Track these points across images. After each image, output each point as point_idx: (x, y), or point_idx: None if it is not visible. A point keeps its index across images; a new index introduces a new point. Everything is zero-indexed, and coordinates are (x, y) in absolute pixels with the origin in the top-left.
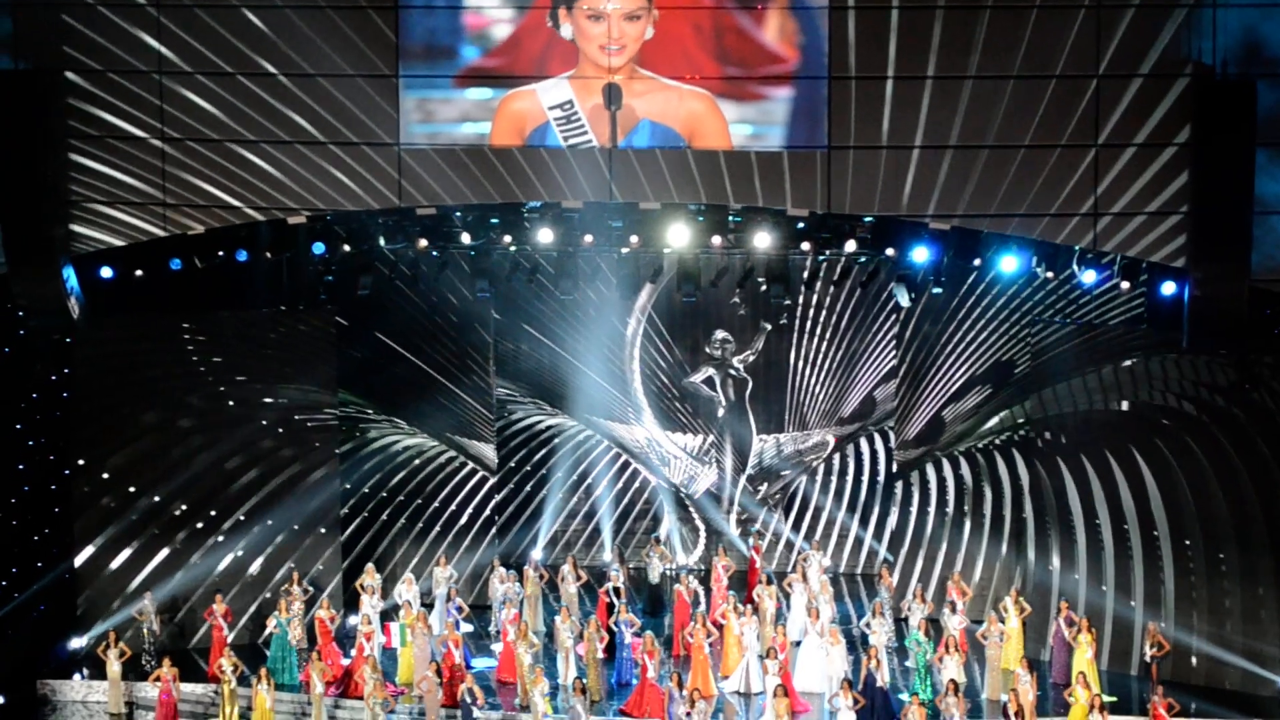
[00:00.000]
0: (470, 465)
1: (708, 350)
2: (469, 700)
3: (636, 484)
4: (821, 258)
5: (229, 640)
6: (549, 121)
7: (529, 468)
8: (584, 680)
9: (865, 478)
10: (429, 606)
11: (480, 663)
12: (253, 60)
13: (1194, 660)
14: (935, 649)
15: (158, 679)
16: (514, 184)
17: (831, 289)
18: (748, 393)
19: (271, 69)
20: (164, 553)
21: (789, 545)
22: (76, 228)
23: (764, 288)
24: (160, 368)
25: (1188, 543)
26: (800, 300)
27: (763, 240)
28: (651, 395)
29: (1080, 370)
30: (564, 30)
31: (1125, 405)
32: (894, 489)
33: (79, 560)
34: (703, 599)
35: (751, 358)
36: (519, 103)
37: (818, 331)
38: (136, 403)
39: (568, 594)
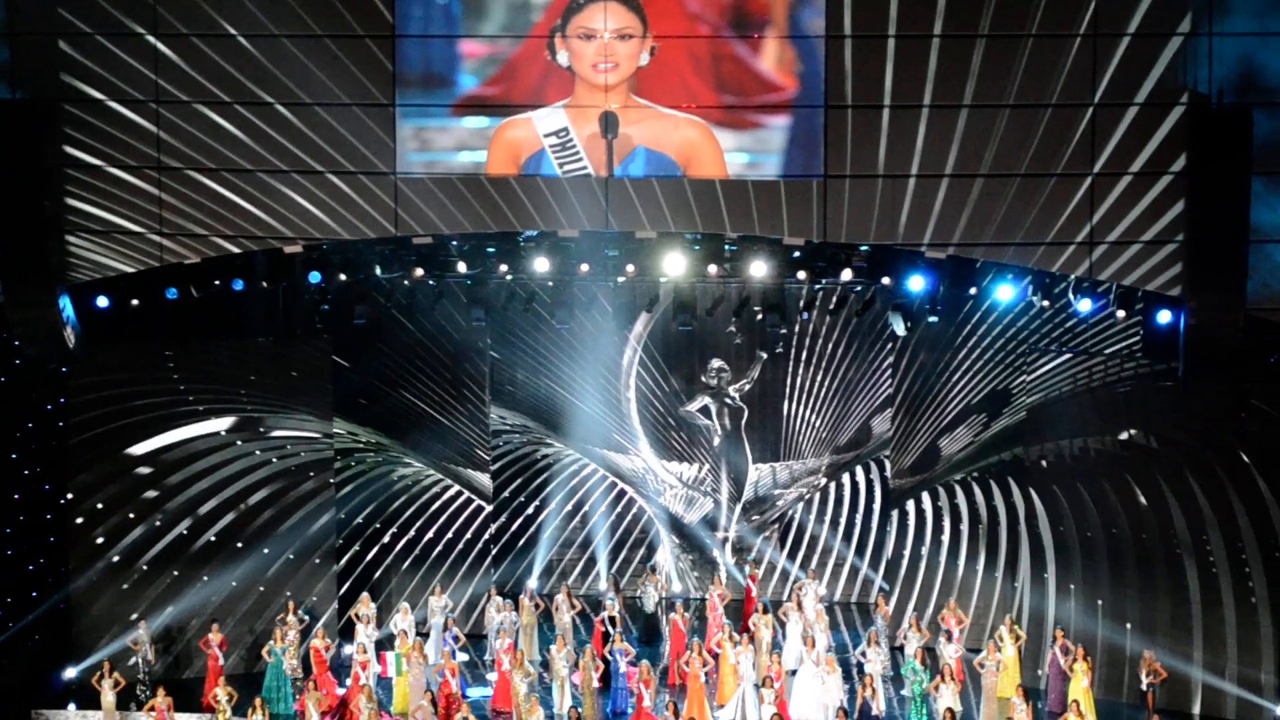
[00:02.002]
0: (466, 494)
1: (703, 379)
2: None
3: (632, 513)
4: (817, 286)
5: (224, 670)
6: (544, 149)
7: (524, 496)
8: (579, 710)
9: (861, 506)
10: (424, 635)
11: (475, 692)
12: (249, 89)
13: (1191, 689)
14: (931, 678)
15: (152, 709)
16: (510, 213)
17: (827, 318)
18: (743, 422)
19: (268, 98)
20: (159, 582)
21: (785, 574)
22: (72, 257)
23: (760, 317)
24: (156, 397)
25: (1184, 570)
26: (796, 329)
27: (759, 269)
28: (647, 424)
29: (1076, 399)
30: (560, 57)
31: (1121, 434)
32: (890, 518)
33: (74, 590)
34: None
35: (747, 386)
36: (514, 131)
37: (813, 360)
38: (132, 432)
39: (563, 623)
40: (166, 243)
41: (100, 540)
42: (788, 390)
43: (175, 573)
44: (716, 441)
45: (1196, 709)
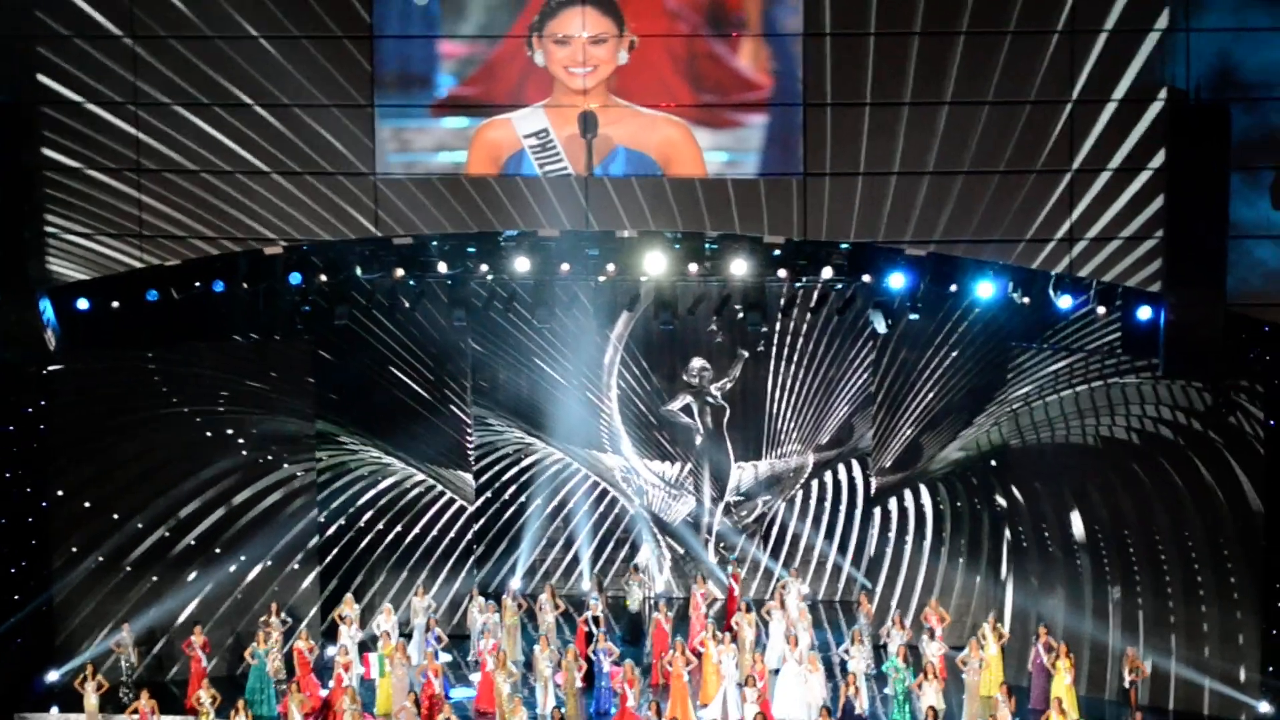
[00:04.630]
0: (448, 495)
1: (685, 378)
2: None
3: (615, 512)
4: (798, 285)
5: (207, 672)
6: (524, 150)
7: (507, 496)
8: (563, 710)
9: (843, 504)
10: (407, 636)
11: (459, 692)
12: (228, 91)
13: (1172, 685)
14: (914, 676)
15: (135, 711)
16: (490, 213)
17: (808, 316)
18: (725, 420)
19: (247, 100)
20: (142, 584)
21: (767, 573)
22: (52, 260)
23: (741, 315)
24: (137, 399)
25: (1165, 567)
26: (777, 327)
27: (739, 267)
28: (629, 423)
29: (1057, 395)
30: (537, 57)
31: (1102, 430)
32: (872, 515)
33: (56, 593)
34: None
35: (729, 385)
36: (494, 131)
37: (795, 358)
38: (113, 435)
39: (546, 623)
40: (147, 245)
41: (83, 543)
42: (769, 389)
43: (158, 575)
44: (698, 440)
45: (1178, 705)
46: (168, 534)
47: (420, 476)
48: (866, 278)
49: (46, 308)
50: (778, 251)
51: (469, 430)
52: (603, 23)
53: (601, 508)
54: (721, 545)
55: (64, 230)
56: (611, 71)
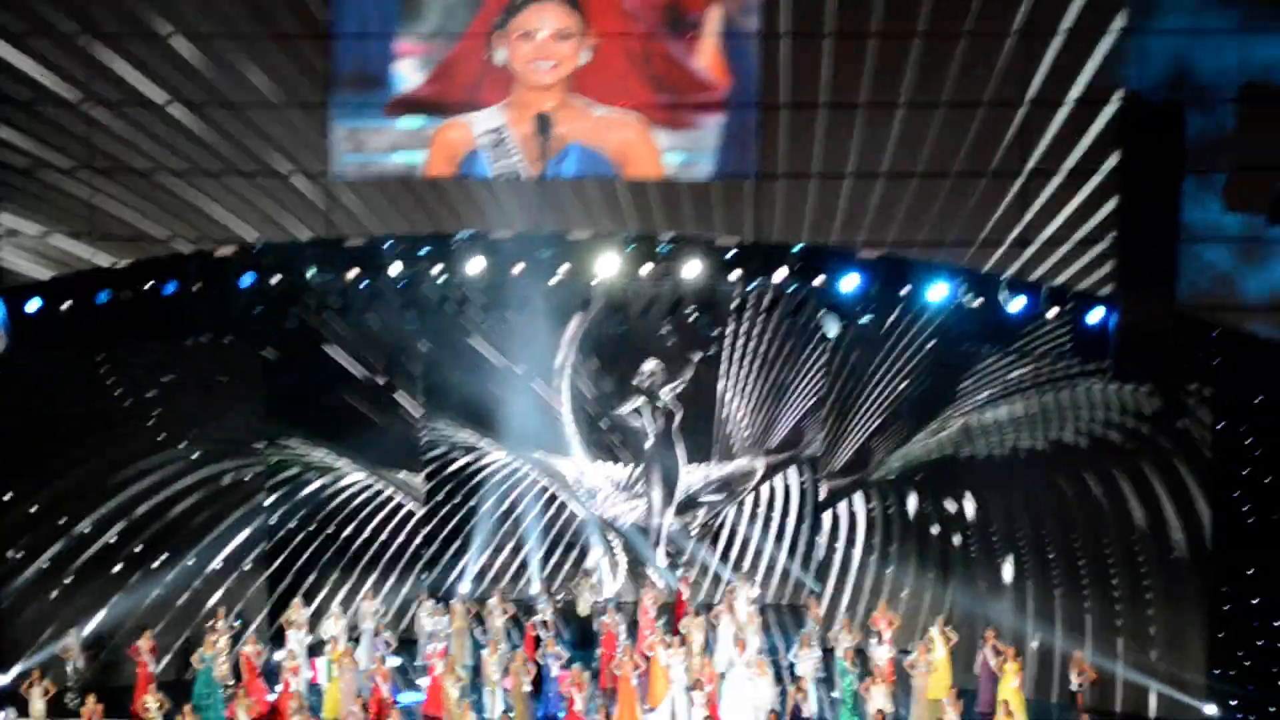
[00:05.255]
0: (398, 498)
1: (637, 381)
2: None
3: (564, 517)
4: (750, 287)
5: (154, 677)
6: (479, 149)
7: (457, 500)
8: (511, 714)
9: (793, 509)
10: (355, 641)
11: (407, 697)
12: (181, 90)
13: (1119, 688)
14: (862, 678)
15: (82, 716)
16: (445, 214)
17: (760, 318)
18: (676, 423)
19: (200, 99)
20: (89, 589)
21: (716, 577)
22: (3, 260)
23: (693, 318)
24: (88, 401)
25: (1112, 570)
26: (729, 330)
27: (692, 270)
28: (581, 426)
29: (1007, 399)
30: (497, 56)
31: (1051, 434)
32: (821, 520)
33: (2, 597)
34: (625, 631)
35: (681, 388)
36: (453, 132)
37: (747, 361)
38: (63, 437)
39: (495, 627)
40: (98, 245)
41: (29, 546)
42: (720, 391)
43: (106, 579)
44: (649, 444)
45: (1125, 708)
46: (116, 538)
47: (370, 479)
48: (819, 280)
49: None
50: (730, 254)
51: (419, 433)
52: (568, 19)
53: (551, 511)
54: (671, 549)
55: (14, 231)
56: (573, 69)
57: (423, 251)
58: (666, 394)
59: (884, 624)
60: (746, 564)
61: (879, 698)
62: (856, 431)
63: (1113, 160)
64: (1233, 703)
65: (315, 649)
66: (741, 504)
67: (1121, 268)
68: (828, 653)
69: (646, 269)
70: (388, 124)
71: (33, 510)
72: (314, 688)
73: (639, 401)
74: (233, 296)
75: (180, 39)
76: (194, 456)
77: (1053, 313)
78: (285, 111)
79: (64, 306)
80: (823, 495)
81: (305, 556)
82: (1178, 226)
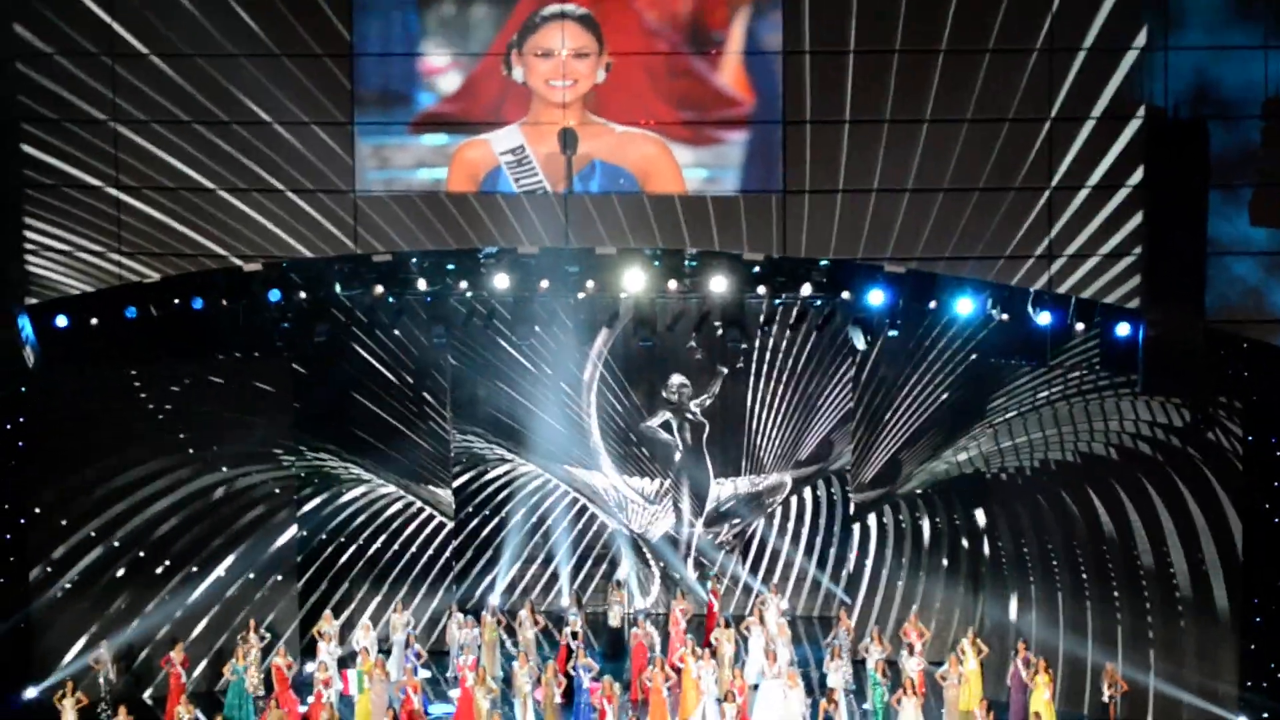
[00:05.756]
0: (428, 511)
1: (664, 395)
2: None
3: (594, 529)
4: (778, 301)
5: (186, 688)
6: (501, 167)
7: (486, 513)
8: None
9: (823, 521)
10: (386, 652)
11: (438, 709)
12: (208, 108)
13: (1150, 700)
14: (893, 690)
15: None
16: (470, 230)
17: (788, 333)
18: (705, 437)
19: (226, 117)
20: (121, 600)
21: (747, 589)
22: (32, 276)
23: (720, 332)
24: (116, 416)
25: (1144, 582)
26: (757, 344)
27: (719, 284)
28: (609, 440)
29: (1036, 411)
30: (515, 73)
31: (1081, 447)
32: (851, 532)
33: (35, 609)
34: (657, 643)
35: (708, 402)
36: (473, 150)
37: (774, 375)
38: (92, 451)
39: (525, 639)
40: (126, 261)
41: (61, 559)
42: (749, 405)
43: (137, 591)
44: (677, 457)
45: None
46: (146, 551)
47: (400, 493)
48: (846, 294)
49: (25, 324)
50: (757, 268)
51: (448, 447)
52: (585, 38)
53: (581, 524)
54: (701, 561)
55: (43, 247)
56: (590, 88)
57: (449, 267)
58: (694, 408)
59: (915, 636)
60: (776, 575)
61: (910, 710)
62: (885, 444)
63: (1138, 175)
64: (1265, 715)
65: (346, 661)
66: (771, 516)
67: (1149, 281)
68: (859, 664)
69: (673, 284)
70: (412, 141)
71: (64, 523)
72: (345, 699)
73: (667, 415)
74: (260, 312)
75: (206, 59)
76: (224, 470)
77: (1080, 326)
78: (311, 129)
79: (93, 322)
80: (852, 508)
81: (336, 568)
82: (1204, 240)
